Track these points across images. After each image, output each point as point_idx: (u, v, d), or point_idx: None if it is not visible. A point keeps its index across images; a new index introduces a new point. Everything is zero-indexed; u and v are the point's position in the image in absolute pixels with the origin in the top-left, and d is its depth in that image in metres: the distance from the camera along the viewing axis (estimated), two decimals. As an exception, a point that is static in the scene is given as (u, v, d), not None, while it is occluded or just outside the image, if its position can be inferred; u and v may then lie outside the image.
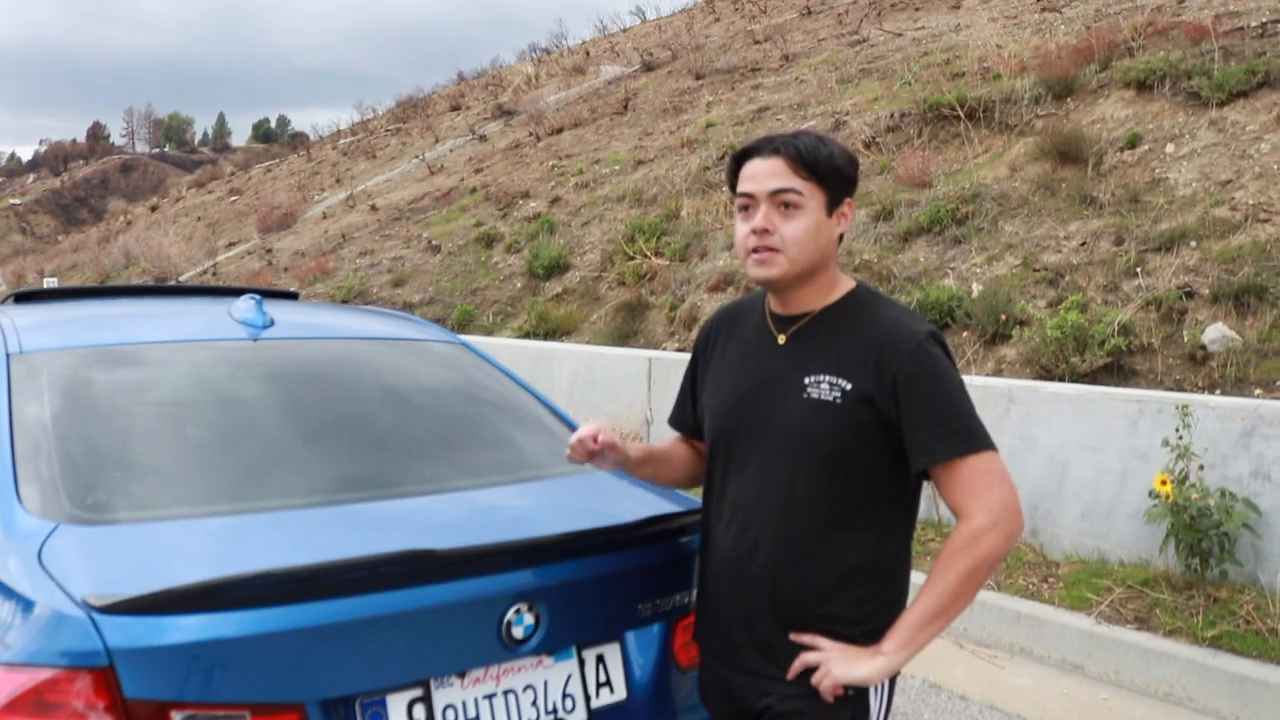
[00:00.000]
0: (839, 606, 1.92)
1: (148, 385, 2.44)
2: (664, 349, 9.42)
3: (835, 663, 1.88)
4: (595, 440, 2.06)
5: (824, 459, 1.90)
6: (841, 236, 2.01)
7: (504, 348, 9.41)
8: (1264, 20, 9.30)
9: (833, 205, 1.96)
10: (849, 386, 1.90)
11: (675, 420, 2.29)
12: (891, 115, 11.38)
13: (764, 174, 1.94)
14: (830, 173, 1.94)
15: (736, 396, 2.03)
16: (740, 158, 2.01)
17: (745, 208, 1.97)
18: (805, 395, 1.92)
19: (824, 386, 1.91)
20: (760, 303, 2.10)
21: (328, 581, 1.78)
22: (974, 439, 1.87)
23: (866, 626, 1.92)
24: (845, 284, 2.03)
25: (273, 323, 2.73)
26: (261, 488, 2.17)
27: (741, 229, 1.98)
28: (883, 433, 1.89)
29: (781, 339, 2.01)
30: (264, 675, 1.72)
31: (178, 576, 1.70)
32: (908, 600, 1.96)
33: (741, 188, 1.98)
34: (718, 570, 2.03)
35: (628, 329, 10.47)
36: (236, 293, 3.05)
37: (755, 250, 1.94)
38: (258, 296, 2.86)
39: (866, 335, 1.92)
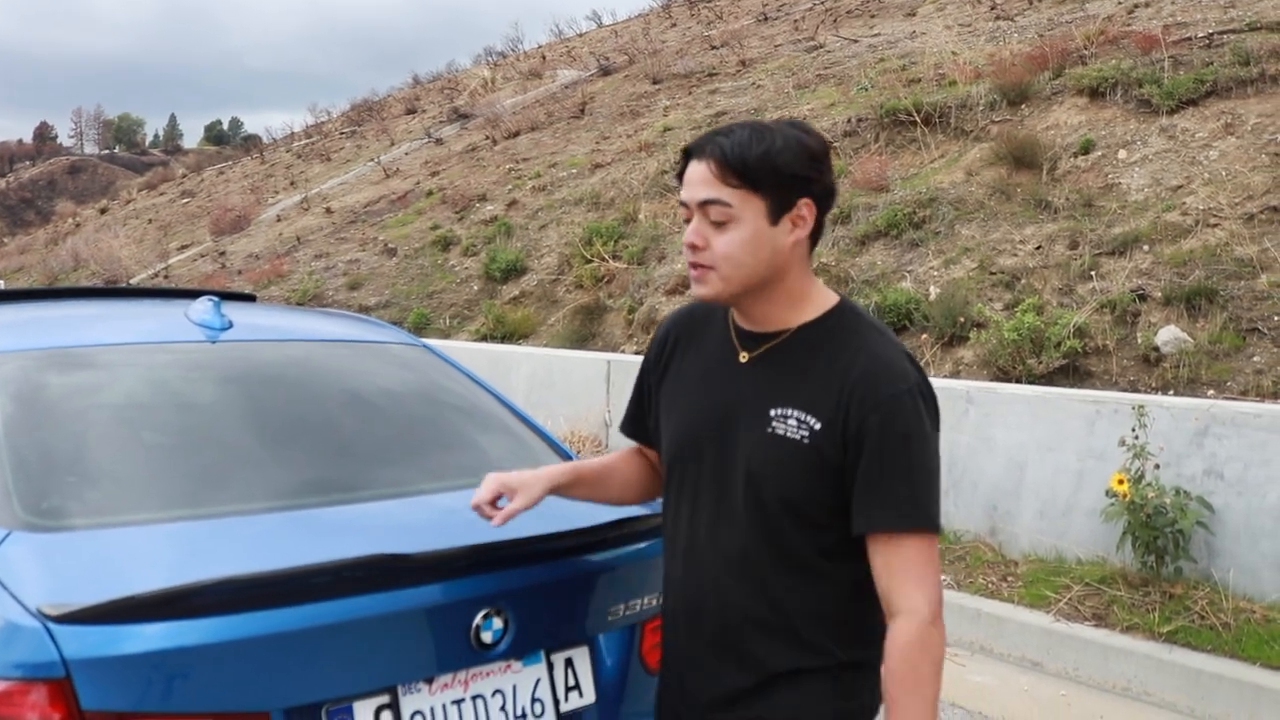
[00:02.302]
0: (796, 658, 1.73)
1: (103, 388, 2.38)
2: (622, 351, 9.41)
3: None
4: (494, 504, 1.89)
5: (785, 502, 1.69)
6: (816, 237, 1.75)
7: (461, 350, 9.35)
8: (1211, 31, 9.48)
9: (779, 211, 1.68)
10: (817, 425, 1.67)
11: (628, 428, 2.06)
12: (848, 120, 11.46)
13: (694, 181, 1.70)
14: (768, 175, 1.66)
15: (693, 420, 1.81)
16: (684, 157, 1.77)
17: (687, 219, 1.74)
18: (769, 430, 1.70)
19: (791, 422, 1.69)
20: (723, 312, 1.86)
21: (291, 587, 1.74)
22: (931, 516, 1.66)
23: (829, 665, 1.73)
24: (825, 298, 1.78)
25: (231, 325, 2.67)
26: (222, 492, 2.12)
27: (685, 239, 1.76)
28: (839, 477, 1.68)
29: (744, 357, 1.77)
30: (227, 684, 1.68)
31: (136, 584, 1.66)
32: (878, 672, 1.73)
33: (681, 195, 1.76)
34: (674, 602, 1.87)
35: (586, 332, 10.45)
36: (192, 295, 2.99)
37: (691, 266, 1.73)
38: (215, 298, 2.80)
39: (845, 365, 1.68)
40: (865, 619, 1.73)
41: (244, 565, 1.74)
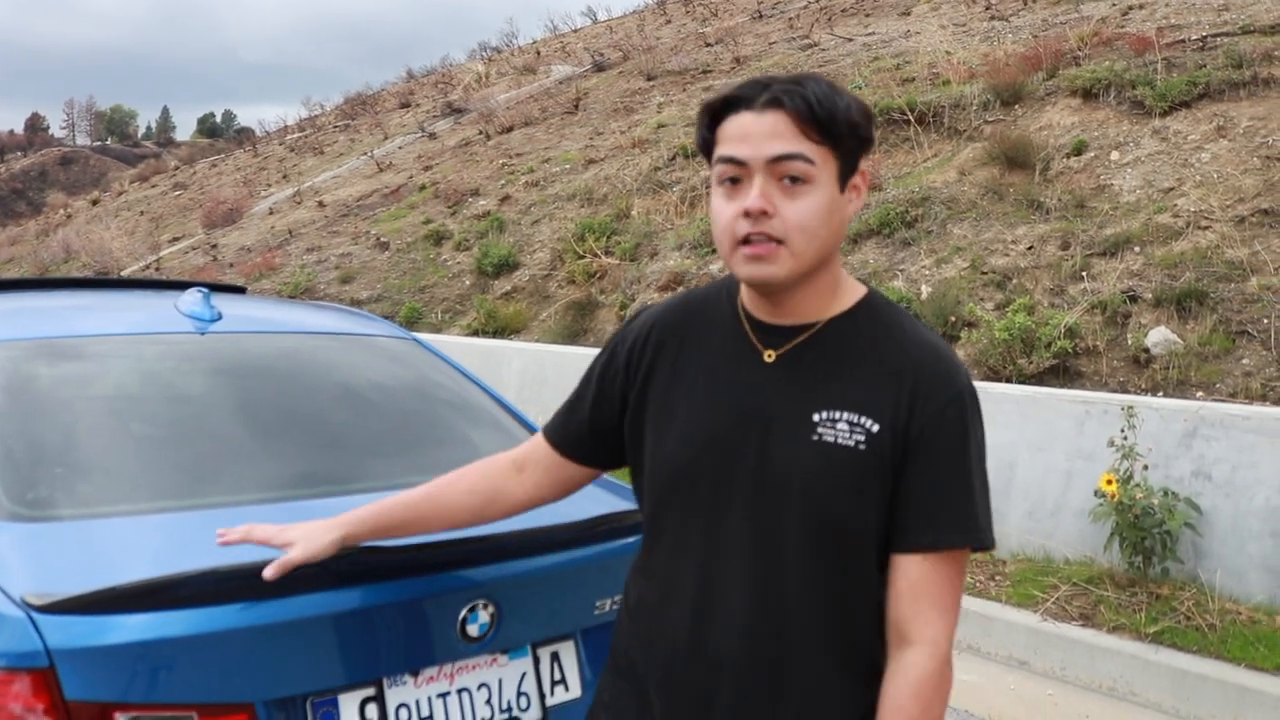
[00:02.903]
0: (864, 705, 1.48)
1: (91, 379, 2.38)
2: (615, 348, 9.39)
3: None
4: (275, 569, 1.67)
5: (835, 526, 1.45)
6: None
7: (453, 345, 9.34)
8: (1205, 33, 9.51)
9: (847, 175, 1.47)
10: (875, 428, 1.44)
11: (559, 438, 1.74)
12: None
13: (760, 134, 1.42)
14: (848, 132, 1.44)
15: (705, 433, 1.52)
16: (720, 109, 1.47)
17: (734, 179, 1.44)
18: (816, 437, 1.45)
19: (841, 426, 1.45)
20: (728, 304, 1.59)
21: (277, 579, 1.74)
22: (990, 531, 1.47)
23: None
24: (853, 287, 1.56)
25: (220, 316, 2.67)
26: (209, 484, 2.12)
27: (725, 210, 1.45)
28: (892, 486, 1.46)
29: (769, 356, 1.51)
30: (211, 675, 1.68)
31: (121, 574, 1.66)
32: None
33: (726, 151, 1.44)
34: (666, 660, 1.55)
35: (577, 327, 10.45)
36: (182, 286, 2.99)
37: (748, 240, 1.43)
38: (205, 290, 2.80)
39: (897, 360, 1.47)
40: (882, 659, 1.50)
41: (230, 556, 1.73)
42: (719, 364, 1.56)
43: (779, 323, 1.53)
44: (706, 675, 1.51)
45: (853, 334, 1.51)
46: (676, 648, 1.54)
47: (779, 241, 1.42)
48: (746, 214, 1.42)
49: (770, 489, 1.47)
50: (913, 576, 1.45)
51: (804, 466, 1.45)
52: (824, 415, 1.46)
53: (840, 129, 1.43)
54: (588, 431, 1.71)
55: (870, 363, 1.49)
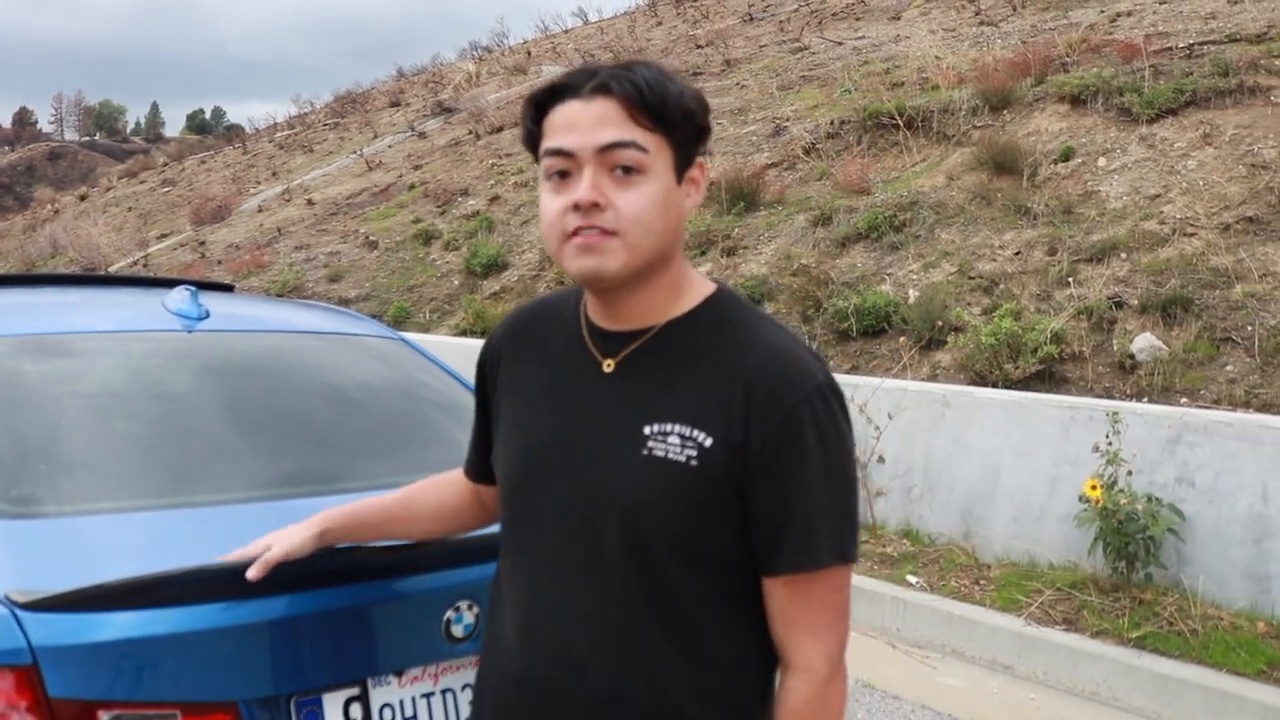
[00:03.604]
0: None
1: (76, 376, 2.37)
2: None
3: None
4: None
5: (673, 544, 1.35)
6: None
7: (441, 345, 9.32)
8: (1192, 41, 9.57)
9: (683, 167, 1.39)
10: (708, 442, 1.34)
11: (471, 470, 1.72)
12: (831, 122, 11.50)
13: (588, 122, 1.33)
14: (682, 119, 1.36)
15: (535, 448, 1.45)
16: (546, 99, 1.38)
17: (563, 173, 1.35)
18: (645, 452, 1.35)
19: (672, 440, 1.35)
20: (573, 308, 1.51)
21: (262, 578, 1.74)
22: (851, 547, 1.36)
23: None
24: (700, 286, 1.45)
25: (208, 314, 2.66)
26: (196, 482, 2.12)
27: (553, 204, 1.36)
28: (740, 505, 1.36)
29: (608, 365, 1.42)
30: (195, 673, 1.67)
31: (106, 572, 1.65)
32: None
33: (553, 143, 1.35)
34: (502, 690, 1.48)
35: (567, 329, 10.44)
36: (170, 284, 2.98)
37: (577, 233, 1.34)
38: (192, 288, 2.79)
39: (735, 363, 1.36)
40: (751, 689, 1.42)
41: (215, 555, 1.73)
42: (558, 376, 1.48)
43: (617, 328, 1.44)
44: (531, 709, 1.43)
45: (692, 336, 1.41)
46: (504, 675, 1.47)
47: (613, 233, 1.33)
48: (576, 207, 1.33)
49: (599, 506, 1.38)
50: (780, 602, 1.37)
51: (633, 483, 1.35)
52: (654, 429, 1.36)
53: (673, 115, 1.35)
54: (487, 455, 1.63)
55: (707, 368, 1.38)
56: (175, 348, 2.54)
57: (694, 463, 1.34)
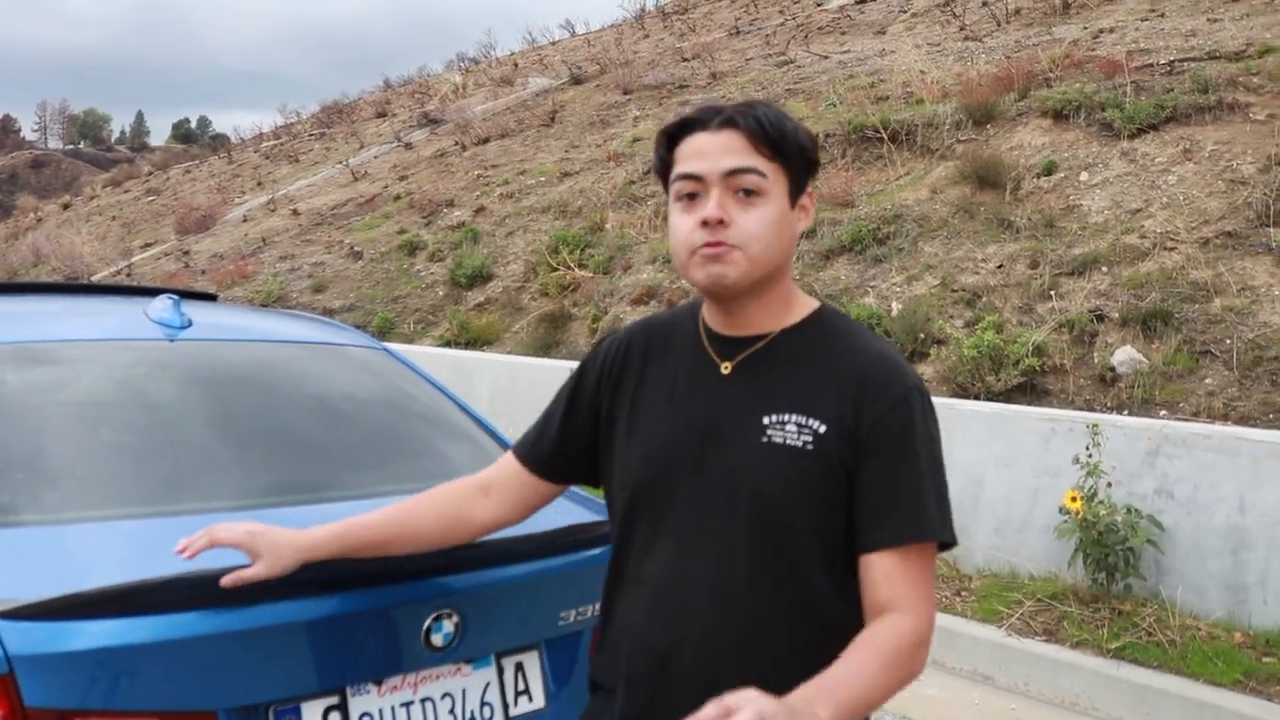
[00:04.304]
0: None
1: (57, 384, 2.36)
2: (588, 361, 9.40)
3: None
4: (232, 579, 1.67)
5: (785, 524, 1.51)
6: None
7: (425, 356, 9.32)
8: (1173, 58, 9.66)
9: (796, 194, 1.58)
10: (823, 429, 1.51)
11: (530, 453, 1.79)
12: (816, 136, 11.54)
13: (715, 150, 1.52)
14: (796, 153, 1.55)
15: (665, 443, 1.60)
16: (677, 132, 1.58)
17: (691, 195, 1.53)
18: (765, 439, 1.52)
19: (790, 428, 1.52)
20: (691, 322, 1.67)
21: (241, 587, 1.74)
22: (951, 526, 1.52)
23: None
24: (805, 302, 1.64)
25: (190, 323, 2.66)
26: (176, 491, 2.12)
27: (684, 223, 1.54)
28: (847, 486, 1.51)
29: (726, 368, 1.59)
30: (174, 682, 1.67)
31: (84, 581, 1.65)
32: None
33: (684, 169, 1.54)
34: (634, 653, 1.60)
35: (550, 340, 10.45)
36: (153, 293, 2.98)
37: (705, 245, 1.51)
38: (175, 296, 2.79)
39: (845, 366, 1.54)
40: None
41: (193, 564, 1.73)
42: (680, 378, 1.63)
43: (735, 334, 1.61)
44: (665, 663, 1.56)
45: (803, 343, 1.59)
46: (641, 652, 1.59)
47: (734, 247, 1.51)
48: (704, 224, 1.51)
49: (725, 491, 1.54)
50: (884, 569, 1.48)
51: (754, 467, 1.52)
52: (773, 418, 1.53)
53: (790, 148, 1.54)
54: (559, 449, 1.77)
55: (820, 369, 1.56)
56: (157, 356, 2.53)
57: (810, 447, 1.51)
